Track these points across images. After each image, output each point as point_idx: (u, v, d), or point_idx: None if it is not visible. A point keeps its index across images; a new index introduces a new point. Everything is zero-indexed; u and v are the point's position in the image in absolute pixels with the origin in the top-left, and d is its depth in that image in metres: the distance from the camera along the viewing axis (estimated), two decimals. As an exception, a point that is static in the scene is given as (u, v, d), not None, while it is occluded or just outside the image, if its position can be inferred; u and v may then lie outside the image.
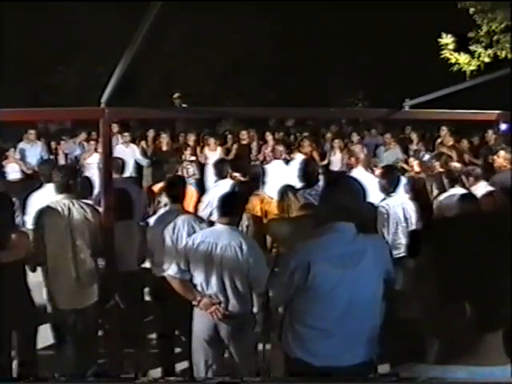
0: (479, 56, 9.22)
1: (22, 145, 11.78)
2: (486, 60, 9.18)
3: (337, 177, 4.02)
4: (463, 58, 9.29)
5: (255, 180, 6.05)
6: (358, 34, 16.20)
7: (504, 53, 9.11)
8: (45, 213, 4.48)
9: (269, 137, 11.84)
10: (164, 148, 11.26)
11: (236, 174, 6.60)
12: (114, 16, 14.44)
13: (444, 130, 10.91)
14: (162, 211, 5.11)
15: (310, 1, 14.80)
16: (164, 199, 5.41)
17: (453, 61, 9.38)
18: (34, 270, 4.57)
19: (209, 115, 6.87)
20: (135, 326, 4.78)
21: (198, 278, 3.97)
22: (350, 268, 2.91)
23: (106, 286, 4.49)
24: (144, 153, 11.62)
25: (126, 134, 11.41)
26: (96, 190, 5.89)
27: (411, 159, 9.22)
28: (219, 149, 11.30)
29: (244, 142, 12.08)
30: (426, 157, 9.32)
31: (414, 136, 11.66)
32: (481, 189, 5.82)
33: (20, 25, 14.12)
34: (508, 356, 1.24)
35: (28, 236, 4.45)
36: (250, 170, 6.55)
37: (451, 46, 9.41)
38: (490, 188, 5.94)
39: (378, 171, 7.70)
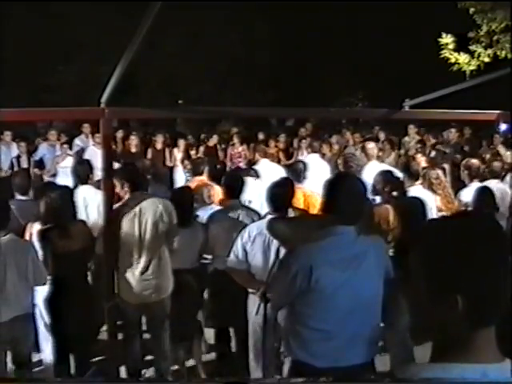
0: (479, 56, 9.22)
1: None
2: (486, 60, 9.18)
3: (337, 177, 4.01)
4: (463, 58, 9.29)
5: (297, 174, 6.25)
6: (358, 33, 16.20)
7: (504, 53, 9.11)
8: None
9: (235, 139, 11.91)
10: (133, 150, 10.85)
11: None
12: (114, 16, 14.44)
13: (411, 129, 11.31)
14: (220, 208, 5.18)
15: (310, 1, 14.80)
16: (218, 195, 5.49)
17: (453, 61, 9.38)
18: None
19: (209, 115, 6.88)
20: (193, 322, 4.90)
21: (256, 268, 4.10)
22: (352, 270, 2.90)
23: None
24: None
25: (97, 134, 10.76)
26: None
27: (418, 155, 9.20)
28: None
29: (210, 144, 12.14)
30: (433, 153, 9.49)
31: (381, 135, 11.98)
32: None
33: (20, 25, 14.10)
34: (502, 354, 1.24)
35: (88, 227, 4.68)
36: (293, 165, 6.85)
37: (451, 46, 9.41)
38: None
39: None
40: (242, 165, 11.28)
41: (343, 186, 3.05)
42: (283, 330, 3.31)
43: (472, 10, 9.06)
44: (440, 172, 6.28)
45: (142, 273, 4.45)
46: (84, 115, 5.11)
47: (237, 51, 16.12)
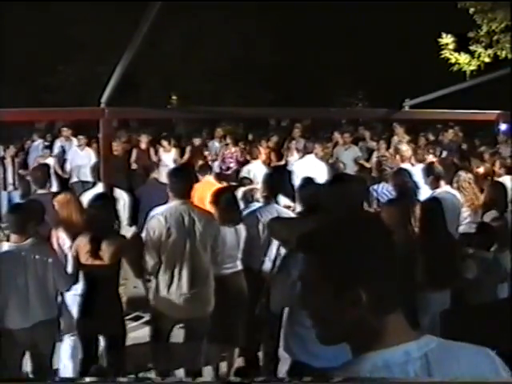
0: (479, 56, 9.22)
1: None
2: (486, 60, 9.18)
3: (335, 179, 3.98)
4: (463, 58, 9.29)
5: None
6: (358, 33, 16.20)
7: (504, 53, 9.11)
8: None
9: (229, 140, 11.92)
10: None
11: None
12: (114, 16, 14.44)
13: (397, 128, 11.11)
14: (257, 206, 5.01)
15: (311, 1, 14.80)
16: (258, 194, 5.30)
17: (453, 61, 9.38)
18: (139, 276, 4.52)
19: (208, 115, 6.89)
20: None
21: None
22: None
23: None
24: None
25: (80, 136, 10.88)
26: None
27: (430, 156, 9.09)
28: (174, 150, 11.21)
29: (197, 144, 12.07)
30: (444, 153, 9.60)
31: (366, 134, 12.09)
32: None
33: (20, 25, 14.11)
34: (416, 331, 1.31)
35: (124, 241, 4.25)
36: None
37: (451, 46, 9.41)
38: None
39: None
40: (233, 165, 11.28)
41: (341, 187, 3.04)
42: (282, 329, 3.30)
43: (472, 10, 9.05)
44: (472, 176, 6.15)
45: (186, 288, 4.16)
46: (84, 115, 5.10)
47: (237, 51, 16.11)
